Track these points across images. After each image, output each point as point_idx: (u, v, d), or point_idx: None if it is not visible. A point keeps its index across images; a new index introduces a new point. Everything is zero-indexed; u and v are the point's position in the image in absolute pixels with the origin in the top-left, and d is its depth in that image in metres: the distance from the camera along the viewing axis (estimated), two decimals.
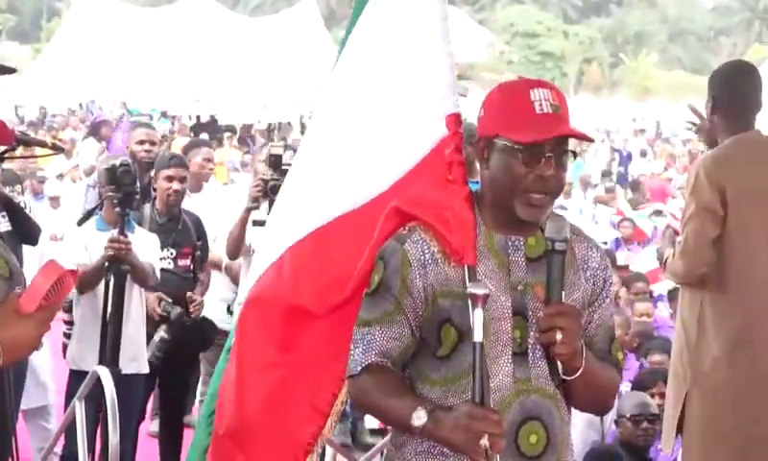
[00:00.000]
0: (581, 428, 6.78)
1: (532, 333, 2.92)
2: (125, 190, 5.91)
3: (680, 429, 4.90)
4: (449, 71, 3.52)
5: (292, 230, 3.60)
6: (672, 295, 8.63)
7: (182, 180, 6.76)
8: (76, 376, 6.05)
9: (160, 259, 6.51)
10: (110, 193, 5.97)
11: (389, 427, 3.10)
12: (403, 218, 3.06)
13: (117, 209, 5.93)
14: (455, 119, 3.41)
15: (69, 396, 6.04)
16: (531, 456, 2.92)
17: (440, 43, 3.55)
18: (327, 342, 3.39)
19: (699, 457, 4.83)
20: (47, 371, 7.07)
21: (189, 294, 6.63)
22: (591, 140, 3.11)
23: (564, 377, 2.92)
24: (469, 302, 2.75)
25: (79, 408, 5.55)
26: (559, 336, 2.81)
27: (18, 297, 2.56)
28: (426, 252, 2.93)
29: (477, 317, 2.69)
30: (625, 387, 7.31)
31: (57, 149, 4.99)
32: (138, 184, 6.19)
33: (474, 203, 3.04)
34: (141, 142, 7.49)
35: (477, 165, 3.10)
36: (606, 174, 22.29)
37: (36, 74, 43.51)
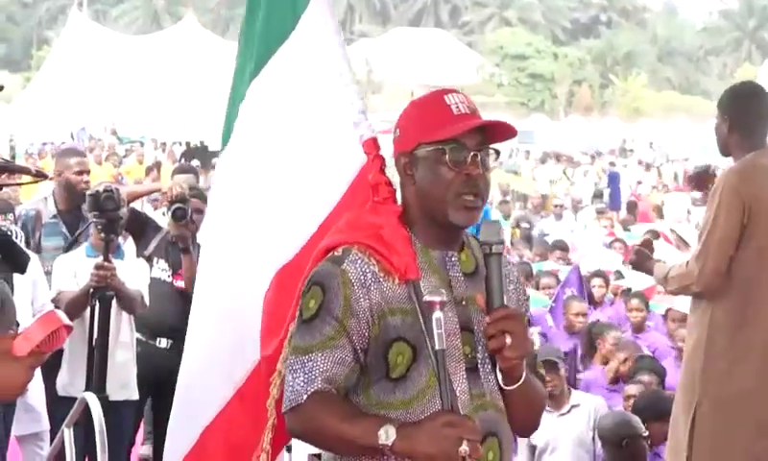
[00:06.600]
0: (571, 449, 6.77)
1: (480, 347, 2.86)
2: (108, 216, 5.91)
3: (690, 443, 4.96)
4: (357, 97, 3.63)
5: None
6: (667, 315, 8.64)
7: (197, 211, 6.77)
8: (66, 403, 6.02)
9: (161, 270, 6.69)
10: (95, 219, 5.99)
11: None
12: (334, 248, 2.93)
13: (102, 235, 5.94)
14: (372, 143, 3.48)
15: (59, 422, 6.02)
16: None
17: (344, 74, 3.69)
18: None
19: None
20: (40, 398, 7.04)
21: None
22: (515, 132, 2.94)
23: (505, 388, 2.87)
24: (419, 311, 2.76)
25: (68, 435, 5.53)
26: (508, 340, 2.77)
27: (13, 339, 2.58)
28: (367, 271, 2.83)
29: (436, 324, 2.68)
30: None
31: (41, 176, 4.97)
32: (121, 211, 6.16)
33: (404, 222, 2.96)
34: (80, 173, 6.87)
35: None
36: (597, 195, 22.31)
37: (26, 103, 43.53)
